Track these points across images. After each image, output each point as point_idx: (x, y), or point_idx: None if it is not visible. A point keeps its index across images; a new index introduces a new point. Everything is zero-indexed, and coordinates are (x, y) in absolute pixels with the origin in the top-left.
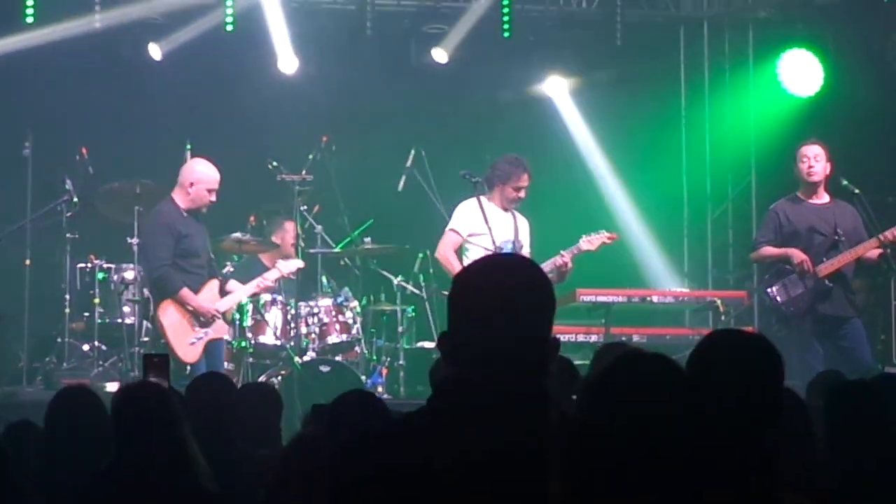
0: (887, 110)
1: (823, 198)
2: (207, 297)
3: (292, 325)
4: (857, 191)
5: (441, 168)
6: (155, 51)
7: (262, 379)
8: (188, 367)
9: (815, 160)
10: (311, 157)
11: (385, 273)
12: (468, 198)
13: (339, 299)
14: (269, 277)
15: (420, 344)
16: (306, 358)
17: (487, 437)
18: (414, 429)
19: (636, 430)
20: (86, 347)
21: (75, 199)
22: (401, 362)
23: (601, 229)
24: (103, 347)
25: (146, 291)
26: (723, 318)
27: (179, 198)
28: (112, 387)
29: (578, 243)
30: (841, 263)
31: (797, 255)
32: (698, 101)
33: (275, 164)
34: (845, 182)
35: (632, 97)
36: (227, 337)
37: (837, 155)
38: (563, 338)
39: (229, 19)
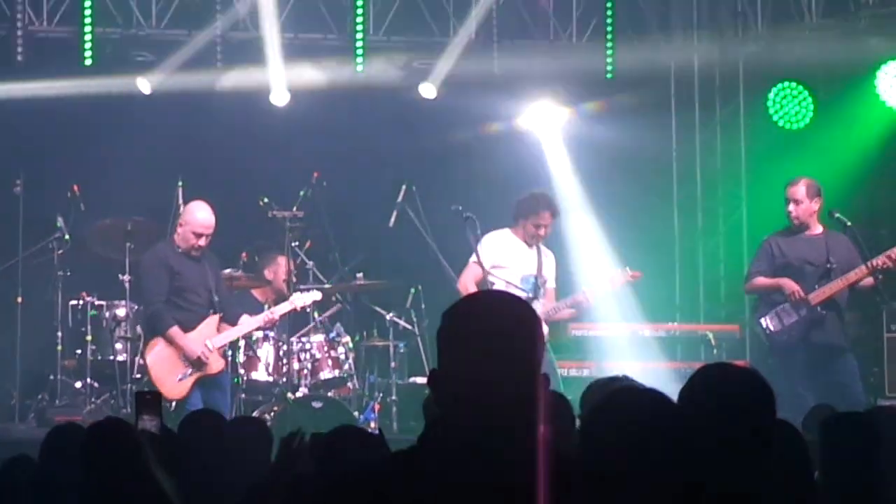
0: (877, 142)
1: (816, 229)
2: (203, 334)
3: (284, 361)
4: (848, 223)
5: (432, 203)
6: (144, 85)
7: (254, 415)
8: (173, 404)
9: (795, 203)
10: (302, 193)
11: (377, 308)
12: (495, 229)
13: (332, 335)
14: (279, 311)
15: (412, 379)
16: (299, 394)
17: (478, 474)
18: (405, 466)
19: (630, 465)
20: (78, 384)
21: (67, 237)
22: (393, 398)
23: (626, 267)
24: (95, 384)
25: (139, 328)
26: (715, 351)
27: (177, 237)
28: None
29: (602, 280)
30: (833, 291)
31: (789, 285)
32: (689, 135)
33: (266, 200)
34: (837, 214)
35: (622, 131)
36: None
37: (828, 187)
38: None
39: (219, 56)
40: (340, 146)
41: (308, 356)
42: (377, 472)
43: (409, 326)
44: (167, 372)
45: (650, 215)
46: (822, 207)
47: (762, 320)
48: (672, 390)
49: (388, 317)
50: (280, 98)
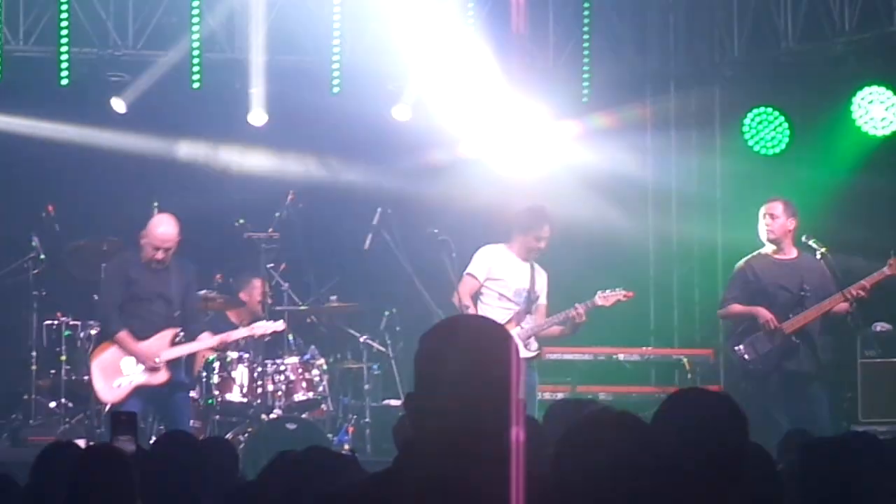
0: (853, 168)
1: (791, 253)
2: (153, 345)
3: (259, 382)
4: (822, 249)
5: (408, 225)
6: (119, 105)
7: (228, 436)
8: (106, 406)
9: (771, 217)
10: (277, 214)
11: (351, 331)
12: (490, 243)
13: (306, 357)
14: (236, 335)
15: (386, 402)
16: (273, 415)
17: (452, 498)
18: (380, 488)
19: (603, 489)
20: (52, 405)
21: (42, 257)
22: (367, 420)
23: (618, 287)
24: (70, 405)
25: None
26: (689, 376)
27: (141, 250)
28: (80, 444)
29: (594, 298)
30: (807, 320)
31: (763, 314)
32: (664, 159)
33: (242, 221)
34: (811, 241)
35: (598, 154)
36: (193, 394)
37: (803, 213)
38: None
39: (196, 77)
40: (316, 167)
41: (282, 378)
42: (353, 494)
43: (383, 349)
44: (108, 375)
45: (625, 239)
46: (797, 229)
47: (737, 348)
48: (646, 415)
49: (362, 339)
50: (258, 118)
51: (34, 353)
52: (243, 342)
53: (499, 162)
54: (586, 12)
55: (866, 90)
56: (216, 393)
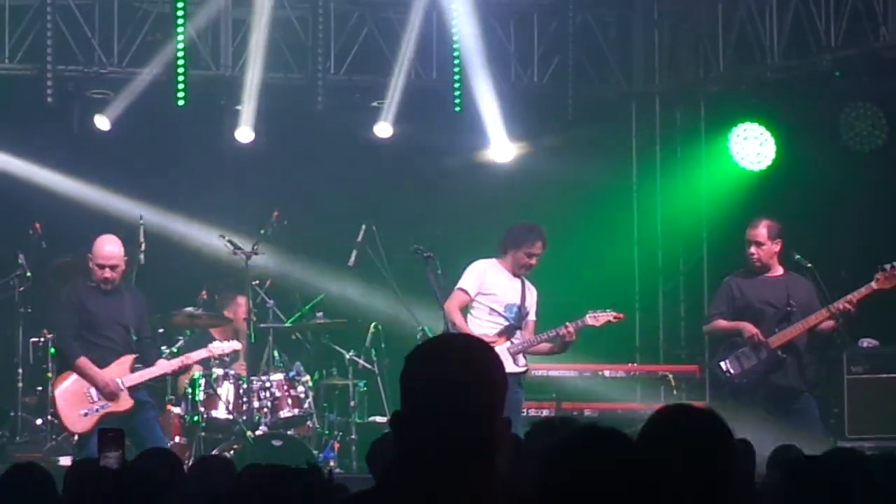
0: (839, 184)
1: (777, 271)
2: (114, 372)
3: (244, 399)
4: (809, 265)
5: (392, 243)
6: (102, 122)
7: (213, 453)
8: (75, 437)
9: (755, 245)
10: (262, 232)
11: (337, 347)
12: (482, 257)
13: (292, 374)
14: (195, 356)
15: (372, 418)
16: (258, 432)
17: None
18: None
19: None
20: (39, 421)
21: (28, 274)
22: (353, 437)
23: (609, 308)
24: (56, 421)
25: None
26: (674, 392)
27: (92, 274)
28: (65, 461)
29: (584, 317)
30: (793, 335)
31: (748, 329)
32: (650, 175)
33: (226, 238)
34: (798, 256)
35: (583, 170)
36: (178, 410)
37: (790, 229)
38: None
39: (181, 94)
40: (301, 185)
41: (268, 394)
42: None
43: (369, 365)
44: (72, 405)
45: (610, 254)
46: (783, 248)
47: (722, 363)
48: (632, 431)
49: (347, 356)
50: (245, 135)
51: (20, 370)
52: (227, 358)
53: (483, 178)
54: (570, 29)
55: (851, 105)
56: (202, 410)
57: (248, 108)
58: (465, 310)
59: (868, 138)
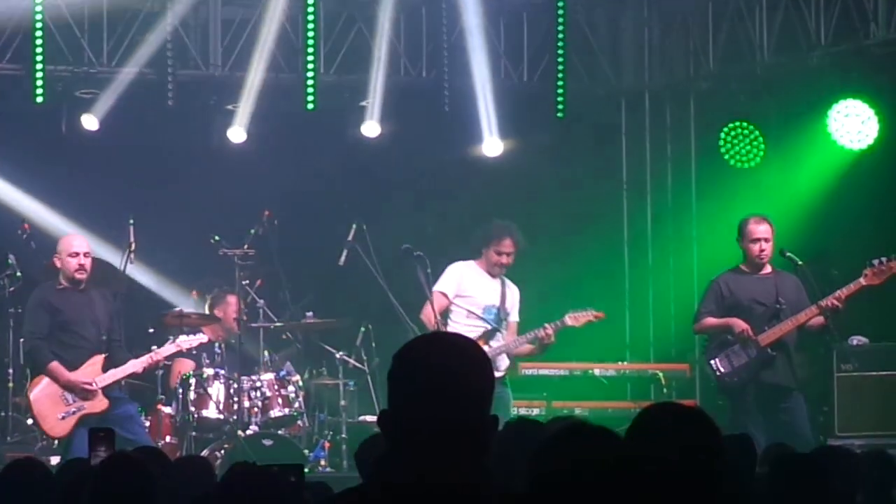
0: (829, 181)
1: (766, 269)
2: (85, 373)
3: (235, 398)
4: (800, 262)
5: (383, 242)
6: (90, 122)
7: (204, 453)
8: (56, 442)
9: (765, 242)
10: (252, 231)
11: (327, 347)
12: (460, 259)
13: (282, 373)
14: (163, 352)
15: (362, 418)
16: (249, 432)
17: None
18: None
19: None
20: (29, 421)
21: (18, 275)
22: (343, 436)
23: (589, 307)
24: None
25: None
26: (665, 390)
27: (60, 276)
28: (55, 460)
29: (563, 318)
30: (783, 332)
31: (738, 324)
32: (639, 174)
33: (216, 238)
34: (789, 253)
35: (573, 169)
36: (169, 410)
37: (779, 226)
38: None
39: (171, 93)
40: (291, 184)
41: (258, 394)
42: None
43: (359, 365)
44: (49, 409)
45: (600, 253)
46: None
47: (712, 362)
48: (622, 429)
49: (338, 355)
50: (238, 135)
51: (10, 371)
52: (218, 358)
53: (473, 177)
54: (560, 27)
55: (842, 103)
56: (192, 409)
57: (244, 109)
58: (444, 314)
59: (858, 135)
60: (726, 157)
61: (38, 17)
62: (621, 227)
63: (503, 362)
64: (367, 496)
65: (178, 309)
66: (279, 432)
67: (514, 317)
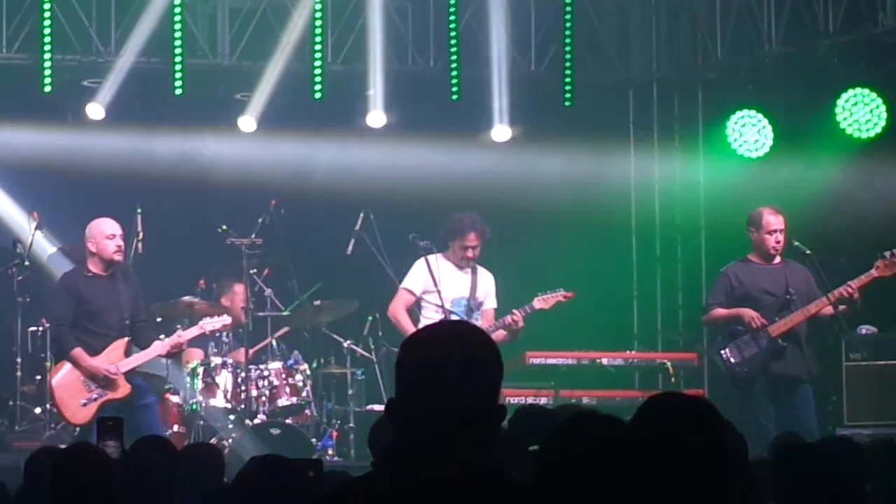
0: (837, 170)
1: (775, 259)
2: (108, 358)
3: (243, 387)
4: (808, 251)
5: (390, 231)
6: (95, 110)
7: (212, 442)
8: (77, 429)
9: (780, 234)
10: (260, 220)
11: (335, 336)
12: (423, 255)
13: (289, 362)
14: (188, 335)
15: (370, 407)
16: (257, 421)
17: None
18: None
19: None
20: (38, 410)
21: (27, 263)
22: (351, 425)
23: (558, 288)
24: (55, 410)
25: None
26: (673, 380)
27: (89, 261)
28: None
29: (532, 302)
30: (793, 322)
31: (748, 313)
32: (647, 162)
33: (224, 227)
34: (797, 243)
35: (581, 158)
36: (177, 399)
37: (788, 216)
38: (511, 401)
39: (178, 82)
40: (298, 173)
41: (266, 383)
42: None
43: (367, 354)
44: (71, 396)
45: (608, 242)
46: None
47: (722, 352)
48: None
49: (345, 344)
50: (248, 125)
51: (19, 360)
52: (225, 347)
53: (480, 166)
54: (568, 16)
55: (850, 92)
56: (200, 398)
57: (258, 98)
58: (414, 310)
59: (866, 124)
60: (734, 145)
61: (47, 5)
62: (629, 216)
63: None
64: (371, 488)
65: (185, 298)
66: (287, 421)
67: (488, 304)
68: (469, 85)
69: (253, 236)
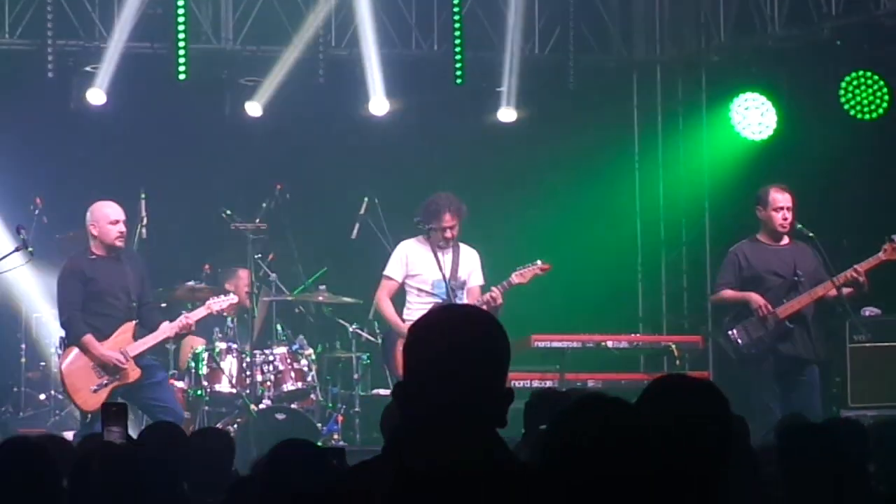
0: (841, 152)
1: (783, 240)
2: (117, 342)
3: (248, 372)
4: (811, 234)
5: (394, 215)
6: (96, 96)
7: (218, 426)
8: (88, 416)
9: (787, 211)
10: (264, 205)
11: (340, 320)
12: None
13: (295, 347)
14: (195, 315)
15: (375, 391)
16: (262, 406)
17: (441, 487)
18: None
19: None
20: (42, 396)
21: (30, 249)
22: (356, 409)
23: (537, 260)
24: (59, 396)
25: None
26: (678, 362)
27: (91, 245)
28: (68, 435)
29: (509, 277)
30: (800, 305)
31: (756, 300)
32: (651, 146)
33: (228, 212)
34: (800, 225)
35: (585, 141)
36: (181, 384)
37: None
38: (517, 384)
39: (182, 67)
40: (303, 157)
41: (271, 368)
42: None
43: (372, 338)
44: (81, 382)
45: (612, 224)
46: None
47: (730, 333)
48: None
49: (350, 328)
50: (255, 110)
51: (23, 346)
52: (230, 332)
53: (485, 149)
54: None
55: (853, 74)
56: (205, 384)
57: (269, 84)
58: (401, 297)
59: (869, 106)
60: (738, 128)
61: None
62: (633, 199)
63: None
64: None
65: (189, 283)
66: (292, 406)
67: (474, 282)
68: (473, 69)
69: (258, 221)
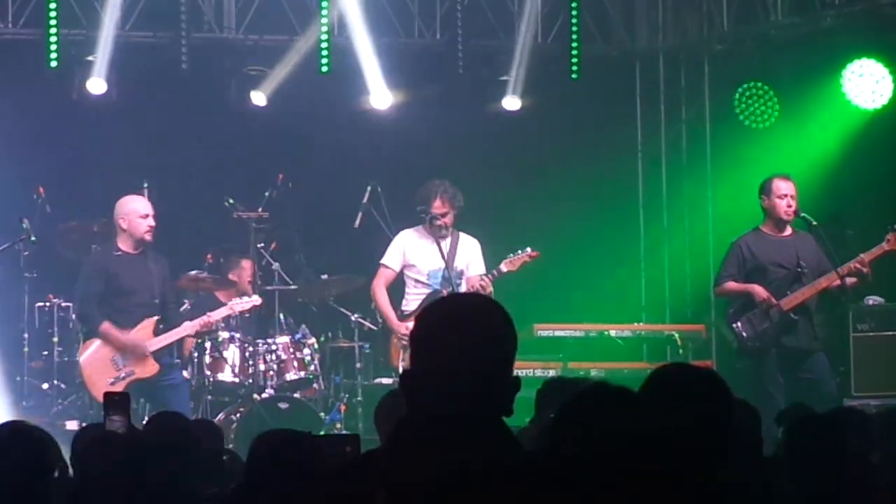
0: (843, 141)
1: (786, 230)
2: (137, 336)
3: (250, 362)
4: (814, 223)
5: (397, 204)
6: (97, 85)
7: (220, 416)
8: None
9: (791, 199)
10: (267, 194)
11: (342, 310)
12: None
13: (297, 336)
14: (217, 315)
15: (378, 380)
16: (265, 395)
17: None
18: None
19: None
20: (45, 386)
21: (33, 238)
22: (359, 399)
23: (526, 247)
24: (62, 386)
25: None
26: (681, 351)
27: (118, 239)
28: (72, 425)
29: (499, 266)
30: (804, 297)
31: (760, 292)
32: (654, 135)
33: (231, 201)
34: (803, 214)
35: (587, 129)
36: (185, 374)
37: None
38: (520, 373)
39: (184, 57)
40: (306, 147)
41: (274, 357)
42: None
43: (375, 327)
44: (100, 374)
45: (616, 214)
46: None
47: (734, 325)
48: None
49: (353, 318)
50: (259, 99)
51: (26, 335)
52: (233, 322)
53: (488, 138)
54: None
55: (856, 63)
56: (208, 373)
57: (277, 75)
58: (398, 286)
59: (872, 95)
60: (741, 117)
61: None
62: (636, 188)
63: None
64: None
65: (192, 272)
66: (295, 395)
67: (473, 270)
68: (476, 58)
69: (260, 210)
